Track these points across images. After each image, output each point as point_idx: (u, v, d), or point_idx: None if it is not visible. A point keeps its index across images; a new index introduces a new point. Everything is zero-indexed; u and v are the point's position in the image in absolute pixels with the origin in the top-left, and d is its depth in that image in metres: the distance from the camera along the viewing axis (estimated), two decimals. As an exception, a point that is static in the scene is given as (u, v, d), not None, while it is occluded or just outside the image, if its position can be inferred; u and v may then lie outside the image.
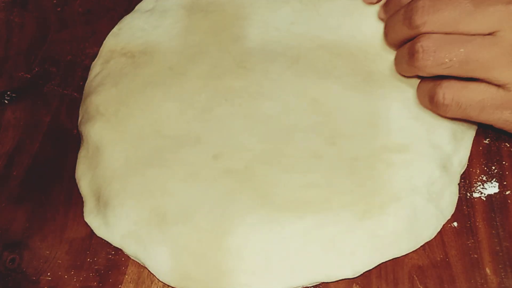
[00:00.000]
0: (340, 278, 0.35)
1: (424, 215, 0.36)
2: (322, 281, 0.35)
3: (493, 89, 0.35)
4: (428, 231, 0.36)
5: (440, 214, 0.36)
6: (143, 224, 0.36)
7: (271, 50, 0.43)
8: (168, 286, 0.36)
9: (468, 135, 0.39)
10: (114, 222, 0.37)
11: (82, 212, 0.39)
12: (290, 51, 0.43)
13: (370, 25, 0.43)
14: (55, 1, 0.52)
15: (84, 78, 0.45)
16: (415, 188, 0.36)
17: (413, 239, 0.36)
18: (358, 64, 0.42)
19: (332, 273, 0.35)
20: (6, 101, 0.46)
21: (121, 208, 0.37)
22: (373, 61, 0.42)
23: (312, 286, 0.35)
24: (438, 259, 0.36)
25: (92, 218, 0.38)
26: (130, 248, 0.36)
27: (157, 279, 0.36)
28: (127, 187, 0.37)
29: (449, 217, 0.37)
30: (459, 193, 0.38)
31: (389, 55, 0.41)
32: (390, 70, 0.41)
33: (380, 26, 0.42)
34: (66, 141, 0.43)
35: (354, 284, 0.35)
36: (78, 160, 0.41)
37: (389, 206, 0.35)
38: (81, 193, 0.39)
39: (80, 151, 0.41)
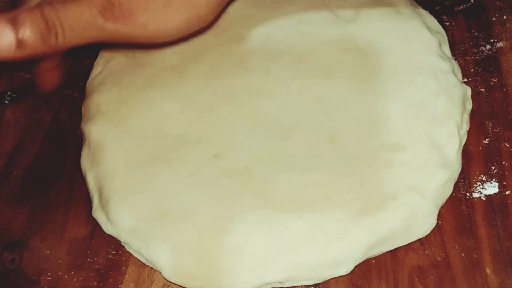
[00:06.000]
0: (338, 275, 0.35)
1: (421, 213, 0.36)
2: (320, 278, 0.35)
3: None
4: (424, 228, 0.36)
5: (437, 212, 0.36)
6: (144, 222, 0.36)
7: (274, 50, 0.43)
8: (169, 285, 0.36)
9: (464, 130, 0.40)
10: (115, 219, 0.37)
11: (83, 212, 0.39)
12: (294, 50, 0.43)
13: (383, 20, 0.43)
14: (55, 1, 0.52)
15: (84, 78, 0.45)
16: (412, 186, 0.36)
17: (409, 236, 0.36)
18: (364, 59, 0.42)
19: (330, 271, 0.35)
20: (6, 101, 0.46)
21: (122, 205, 0.37)
22: (381, 55, 0.42)
23: (311, 285, 0.36)
24: (439, 259, 0.36)
25: (98, 214, 0.38)
26: (133, 245, 0.36)
27: (157, 279, 0.36)
28: (129, 185, 0.37)
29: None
30: (459, 193, 0.38)
31: (398, 48, 0.41)
32: (396, 64, 0.41)
33: (393, 21, 0.42)
34: (67, 141, 0.43)
35: (354, 284, 0.35)
36: (81, 158, 0.41)
37: (387, 205, 0.35)
38: (88, 188, 0.39)
39: (82, 149, 0.41)
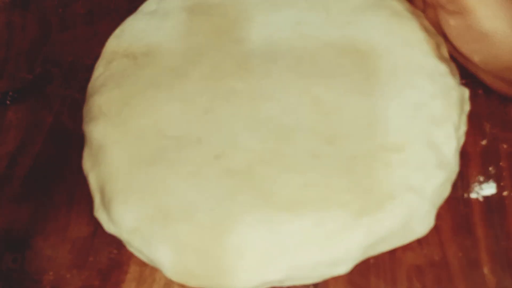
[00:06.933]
0: (337, 274, 0.35)
1: (419, 213, 0.36)
2: (320, 277, 0.35)
3: None
4: (422, 228, 0.36)
5: (434, 212, 0.37)
6: (146, 221, 0.36)
7: (274, 51, 0.43)
8: (170, 284, 0.36)
9: (462, 131, 0.40)
10: (117, 219, 0.37)
11: (85, 211, 0.39)
12: (294, 52, 0.43)
13: (381, 22, 0.43)
14: (56, 2, 0.52)
15: (86, 79, 0.45)
16: (411, 186, 0.36)
17: (407, 236, 0.36)
18: (364, 60, 0.42)
19: (329, 270, 0.35)
20: (8, 102, 0.46)
21: (124, 205, 0.37)
22: (380, 56, 0.42)
23: (311, 285, 0.36)
24: (436, 258, 0.36)
25: (100, 214, 0.38)
26: (134, 244, 0.37)
27: (159, 278, 0.36)
28: (130, 185, 0.38)
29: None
30: (457, 194, 0.38)
31: (397, 50, 0.42)
32: (394, 66, 0.41)
33: (391, 23, 0.43)
34: (68, 142, 0.43)
35: (353, 283, 0.36)
36: (83, 158, 0.41)
37: (385, 205, 0.36)
38: (90, 188, 0.40)
39: (84, 150, 0.41)
